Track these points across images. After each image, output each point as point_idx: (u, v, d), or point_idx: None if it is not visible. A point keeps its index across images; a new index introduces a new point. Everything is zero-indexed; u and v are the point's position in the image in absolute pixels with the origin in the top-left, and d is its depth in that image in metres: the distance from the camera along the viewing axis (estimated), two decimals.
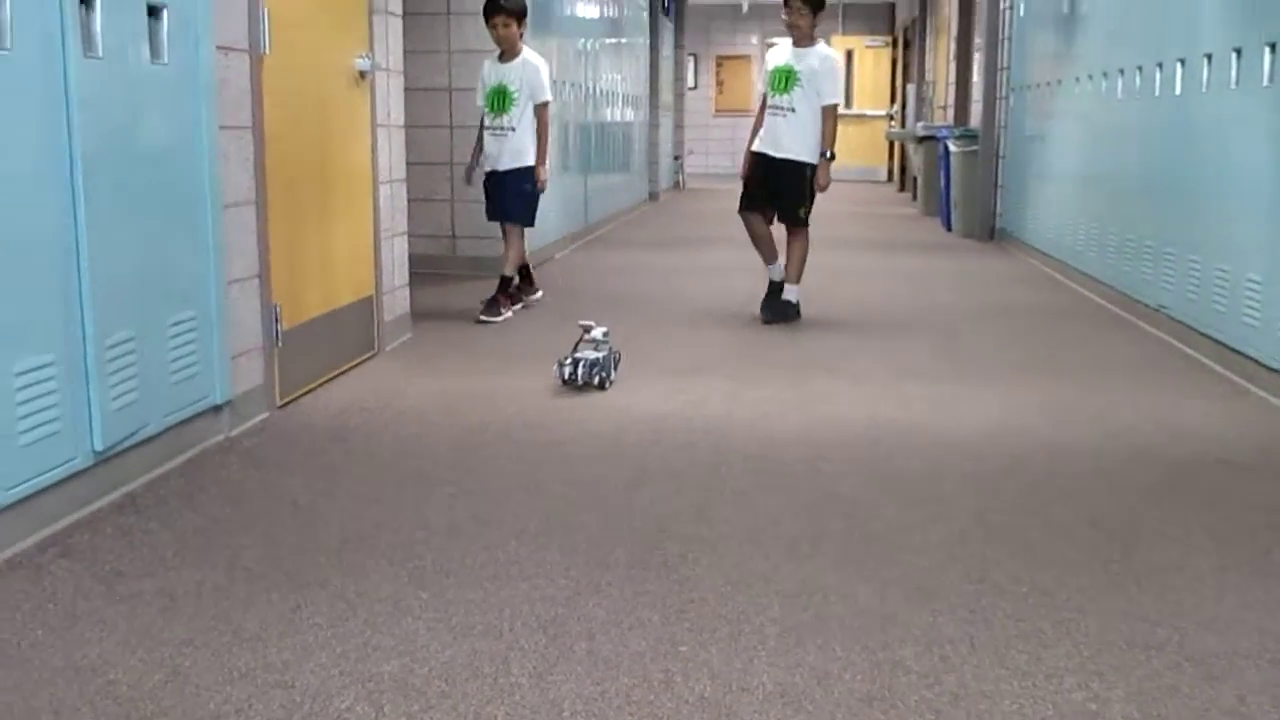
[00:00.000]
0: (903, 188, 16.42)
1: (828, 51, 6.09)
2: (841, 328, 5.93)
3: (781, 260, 6.14)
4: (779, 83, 5.96)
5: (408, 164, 5.46)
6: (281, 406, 4.11)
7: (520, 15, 5.96)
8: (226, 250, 3.68)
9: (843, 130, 21.74)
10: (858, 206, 14.05)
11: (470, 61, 7.41)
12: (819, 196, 6.01)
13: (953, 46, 12.27)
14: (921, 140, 12.08)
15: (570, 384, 4.39)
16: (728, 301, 6.58)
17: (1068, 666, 2.28)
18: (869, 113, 19.70)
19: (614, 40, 11.32)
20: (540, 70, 6.05)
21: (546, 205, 8.47)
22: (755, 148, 6.12)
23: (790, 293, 6.09)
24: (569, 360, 4.40)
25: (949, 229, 10.80)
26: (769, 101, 6.04)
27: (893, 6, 19.98)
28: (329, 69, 4.53)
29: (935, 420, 4.10)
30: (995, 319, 6.26)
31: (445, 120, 7.53)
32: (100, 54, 3.00)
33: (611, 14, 11.28)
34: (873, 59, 20.03)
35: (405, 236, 5.44)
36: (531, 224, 6.32)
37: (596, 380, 4.39)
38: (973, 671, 2.25)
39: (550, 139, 6.24)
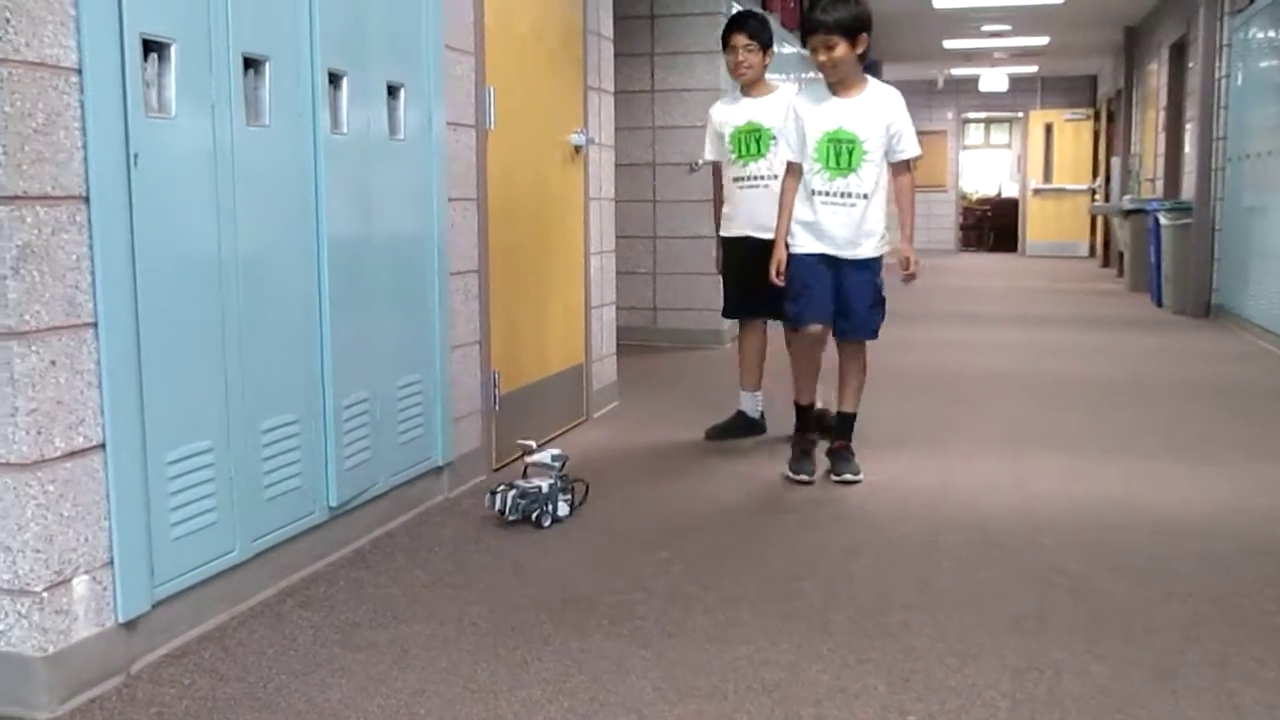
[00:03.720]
0: (1106, 263, 15.93)
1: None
2: (1051, 402, 5.76)
3: (759, 392, 4.90)
4: (747, 147, 4.65)
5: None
6: (497, 469, 4.22)
7: (766, 44, 4.65)
8: (451, 317, 3.82)
9: (1041, 205, 21.11)
10: (1059, 282, 13.70)
11: (672, 138, 7.59)
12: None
13: (1161, 117, 11.91)
14: (1128, 214, 11.72)
15: (500, 519, 3.57)
16: (936, 374, 6.49)
17: None
18: (1069, 187, 19.23)
19: None
20: None
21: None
22: (731, 232, 4.75)
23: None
24: (501, 487, 3.59)
25: (1159, 305, 10.42)
26: (736, 172, 4.70)
27: (1094, 79, 19.56)
28: (547, 144, 4.70)
29: (1160, 497, 3.94)
30: (1214, 396, 5.99)
31: (648, 195, 7.69)
32: (345, 130, 3.19)
33: None
34: (1073, 132, 19.58)
35: (613, 307, 5.55)
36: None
37: (534, 516, 3.54)
38: None
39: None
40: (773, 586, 3.03)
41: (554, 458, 3.66)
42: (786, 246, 4.06)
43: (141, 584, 2.48)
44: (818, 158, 3.99)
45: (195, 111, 2.59)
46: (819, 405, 4.59)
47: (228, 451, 2.74)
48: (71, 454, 2.30)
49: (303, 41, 2.97)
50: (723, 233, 4.81)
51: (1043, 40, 15.23)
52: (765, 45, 4.65)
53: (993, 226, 20.72)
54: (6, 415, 2.19)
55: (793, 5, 10.18)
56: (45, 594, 2.25)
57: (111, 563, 2.41)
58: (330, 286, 3.11)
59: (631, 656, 2.57)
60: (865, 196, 3.97)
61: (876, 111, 3.98)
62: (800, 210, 4.04)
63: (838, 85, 4.00)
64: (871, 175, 3.97)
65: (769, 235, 4.52)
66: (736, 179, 4.70)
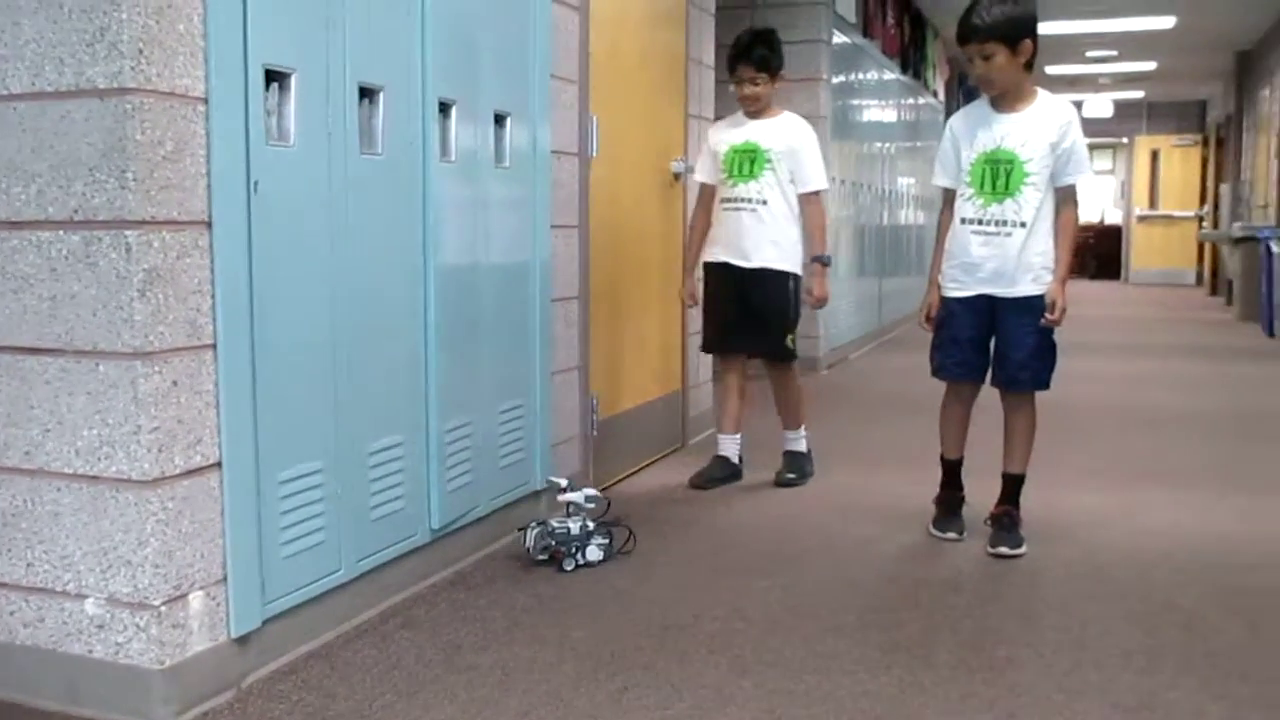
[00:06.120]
0: (1214, 291, 15.55)
1: (801, 122, 4.45)
2: (1159, 434, 5.64)
3: (739, 435, 4.60)
4: (740, 168, 4.38)
5: None
6: None
7: (776, 70, 4.37)
8: (552, 343, 3.86)
9: (1147, 232, 20.79)
10: (1165, 311, 13.42)
11: None
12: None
13: (1275, 143, 11.62)
14: (1239, 242, 11.45)
15: (529, 556, 3.42)
16: (1040, 404, 6.35)
17: None
18: (1176, 214, 18.85)
19: (909, 144, 11.31)
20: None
21: (841, 306, 8.51)
22: (713, 257, 4.48)
23: (798, 441, 4.61)
24: (533, 523, 3.45)
25: (1270, 335, 10.15)
26: (725, 193, 4.40)
27: (1203, 104, 19.15)
28: (648, 171, 4.73)
29: (1275, 533, 3.83)
30: None
31: None
32: (454, 158, 3.24)
33: (908, 117, 11.29)
34: (1180, 158, 19.20)
35: None
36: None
37: (563, 556, 3.39)
38: None
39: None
40: (872, 618, 3.00)
41: (588, 498, 3.50)
42: (939, 288, 3.68)
43: (253, 601, 2.54)
44: (970, 181, 3.57)
45: (313, 140, 2.65)
46: (795, 448, 4.55)
47: (336, 472, 2.80)
48: (190, 472, 2.36)
49: (415, 71, 3.04)
50: (704, 258, 4.52)
51: (1150, 65, 14.96)
52: (775, 72, 4.35)
53: (1095, 254, 20.35)
54: (130, 433, 2.27)
55: (893, 32, 10.14)
56: (163, 608, 2.32)
57: (225, 579, 2.47)
58: (437, 312, 3.16)
59: (731, 685, 2.57)
60: (1024, 225, 3.49)
61: (1042, 127, 3.50)
62: (950, 244, 3.64)
63: (999, 99, 3.57)
64: (1033, 201, 3.49)
65: (749, 264, 4.36)
66: (724, 200, 4.39)
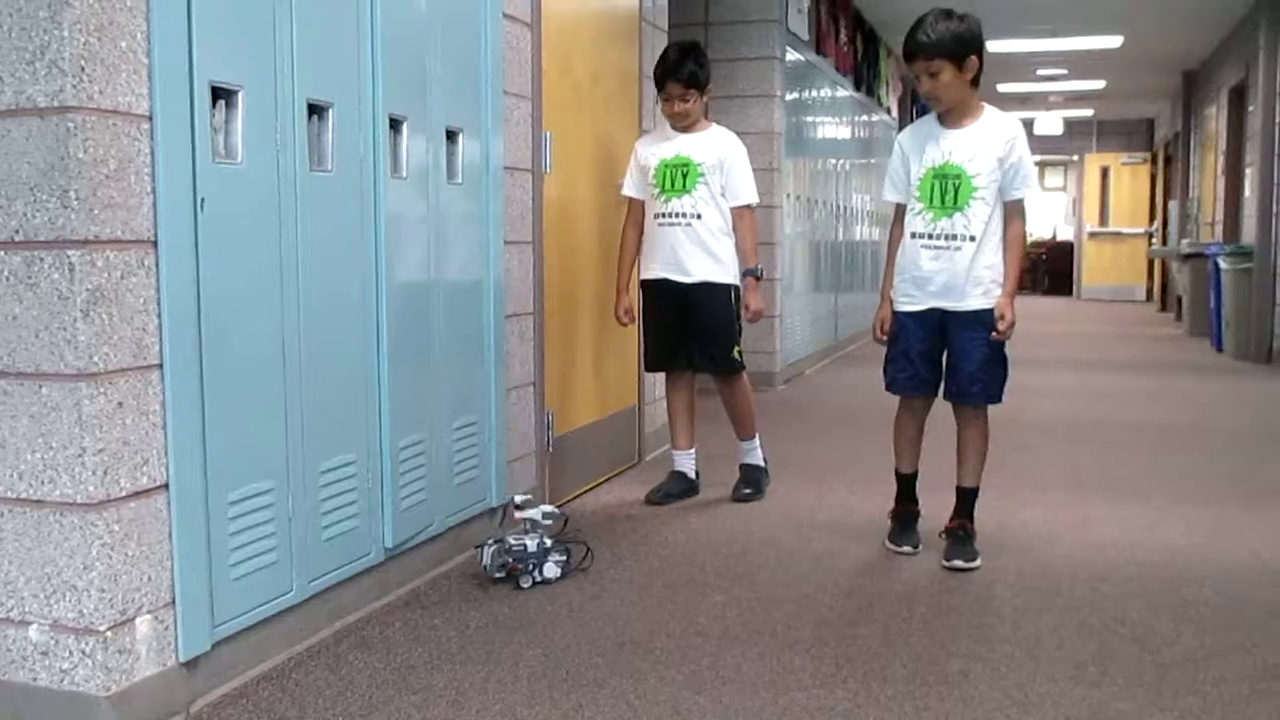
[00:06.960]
0: (1164, 307, 15.75)
1: (731, 135, 4.42)
2: (1111, 448, 5.69)
3: (693, 450, 4.61)
4: (672, 182, 4.33)
5: None
6: None
7: (704, 85, 4.33)
8: (506, 359, 3.85)
9: (1098, 249, 20.91)
10: (1116, 326, 13.58)
11: None
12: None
13: (1221, 161, 11.80)
14: (1187, 258, 11.60)
15: (485, 574, 3.40)
16: (991, 419, 6.40)
17: None
18: (1126, 230, 19.09)
19: (863, 160, 11.39)
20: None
21: (796, 321, 8.55)
22: (650, 274, 4.43)
23: (754, 453, 4.62)
24: (489, 541, 3.43)
25: (1219, 350, 10.28)
26: (658, 209, 4.36)
27: (1151, 122, 19.43)
28: (602, 186, 4.73)
29: (1225, 545, 3.87)
30: (1277, 443, 5.90)
31: None
32: (405, 175, 3.23)
33: (861, 134, 11.37)
34: (1129, 176, 19.45)
35: None
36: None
37: (520, 574, 3.38)
38: None
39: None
40: (828, 632, 3.01)
41: (545, 515, 3.49)
42: (891, 302, 3.70)
43: (202, 624, 2.50)
44: (920, 196, 3.58)
45: (261, 157, 2.63)
46: (751, 461, 4.56)
47: (287, 492, 2.77)
48: (136, 494, 2.33)
49: (365, 88, 3.02)
50: (641, 275, 4.47)
51: (1099, 84, 15.16)
52: (703, 87, 4.32)
53: (1047, 270, 20.58)
54: (74, 456, 2.23)
55: (846, 49, 10.22)
56: (109, 633, 2.28)
57: (173, 602, 2.43)
58: (389, 328, 3.15)
59: (686, 702, 2.56)
60: (973, 239, 3.51)
61: (989, 142, 3.54)
62: (900, 258, 3.67)
63: (946, 115, 3.61)
64: (981, 215, 3.51)
65: (688, 279, 4.31)
66: (657, 215, 4.33)
